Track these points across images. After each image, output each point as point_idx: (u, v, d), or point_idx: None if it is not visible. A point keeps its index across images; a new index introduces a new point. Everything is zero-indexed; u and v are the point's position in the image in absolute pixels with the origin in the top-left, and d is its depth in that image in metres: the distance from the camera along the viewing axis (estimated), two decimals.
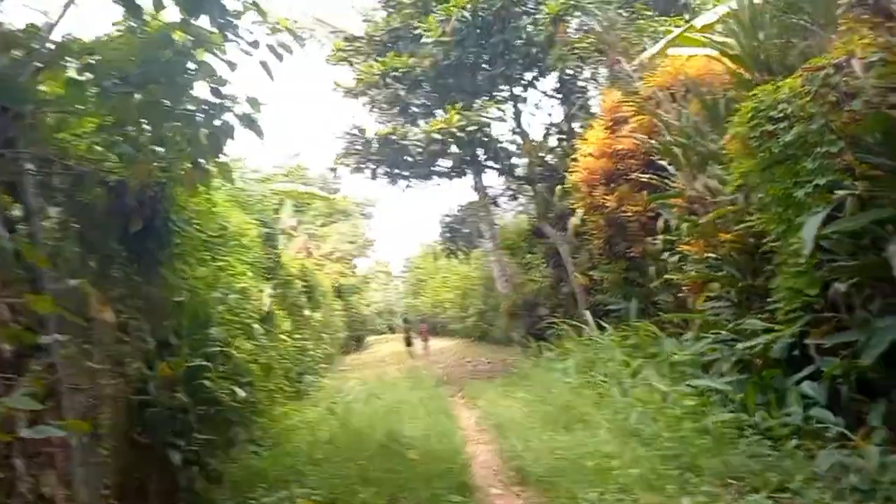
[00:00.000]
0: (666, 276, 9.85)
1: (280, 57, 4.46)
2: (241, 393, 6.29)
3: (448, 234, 16.89)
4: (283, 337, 11.85)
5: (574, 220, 12.41)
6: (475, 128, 12.10)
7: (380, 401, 11.03)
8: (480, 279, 25.94)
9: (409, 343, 27.52)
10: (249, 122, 4.38)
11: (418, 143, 12.30)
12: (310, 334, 17.75)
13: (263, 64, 4.39)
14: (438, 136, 11.88)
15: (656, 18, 13.97)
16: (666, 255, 9.72)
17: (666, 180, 9.25)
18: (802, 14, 6.18)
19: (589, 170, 11.26)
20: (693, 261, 8.48)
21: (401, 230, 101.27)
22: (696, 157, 7.16)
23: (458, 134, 11.92)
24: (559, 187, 12.97)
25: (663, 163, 8.35)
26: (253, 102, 4.39)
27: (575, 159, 12.43)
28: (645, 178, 9.29)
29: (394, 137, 12.31)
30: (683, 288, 9.16)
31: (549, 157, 15.28)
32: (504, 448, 7.62)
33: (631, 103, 9.73)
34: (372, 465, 6.45)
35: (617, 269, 11.43)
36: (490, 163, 14.49)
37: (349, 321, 34.75)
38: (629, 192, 10.56)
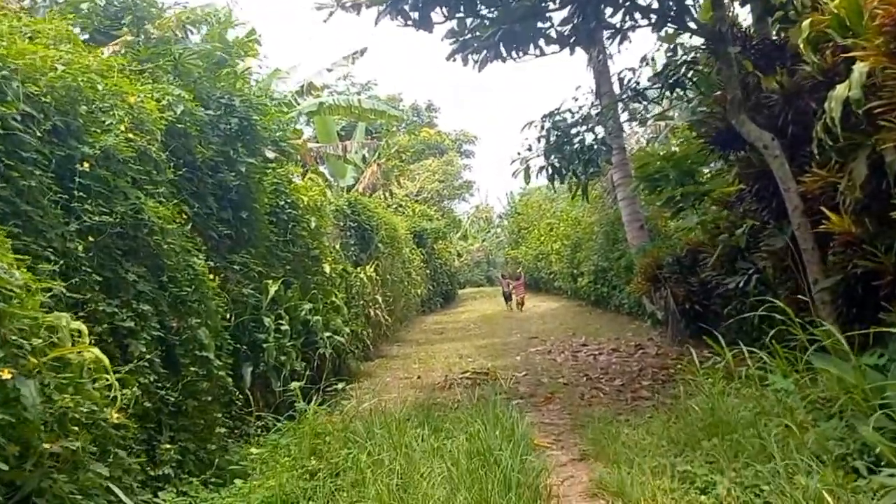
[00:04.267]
0: None
1: None
2: None
3: (553, 145, 10.20)
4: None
5: (842, 93, 5.52)
6: None
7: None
8: (600, 225, 19.04)
9: (508, 298, 26.56)
10: None
11: None
12: (344, 298, 11.76)
13: None
14: None
15: None
16: None
17: None
18: None
19: None
20: None
21: (504, 165, 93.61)
22: None
23: None
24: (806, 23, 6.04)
25: None
26: None
27: None
28: None
29: None
30: None
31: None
32: None
33: None
34: None
35: None
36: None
37: (433, 274, 28.80)
38: None
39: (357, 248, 15.87)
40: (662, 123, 25.21)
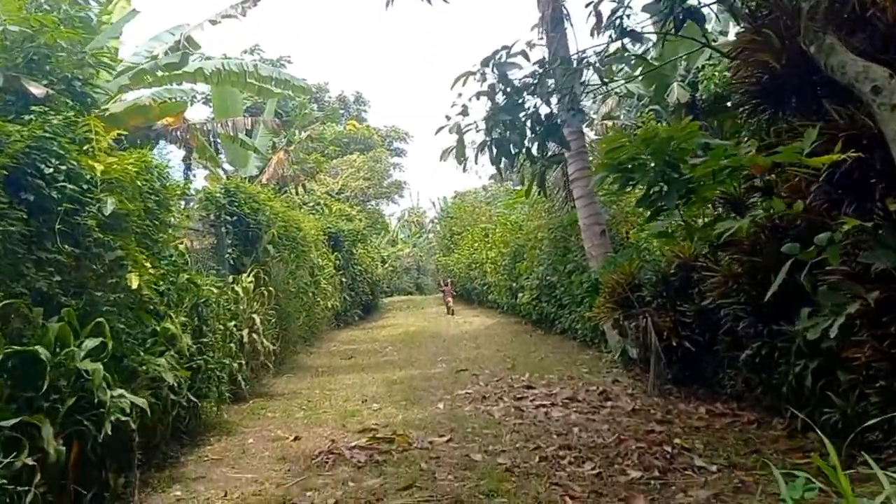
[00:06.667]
0: None
1: None
2: None
3: (499, 107, 6.78)
4: None
5: None
6: None
7: None
8: (548, 230, 15.75)
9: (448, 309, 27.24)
10: None
11: None
12: (192, 323, 8.09)
13: None
14: None
15: None
16: None
17: None
18: None
19: None
20: None
21: (439, 167, 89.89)
22: None
23: None
24: None
25: None
26: None
27: None
28: None
29: None
30: None
31: None
32: None
33: None
34: None
35: None
36: None
37: (351, 283, 25.06)
38: None
39: (238, 251, 12.13)
40: (609, 123, 22.19)
